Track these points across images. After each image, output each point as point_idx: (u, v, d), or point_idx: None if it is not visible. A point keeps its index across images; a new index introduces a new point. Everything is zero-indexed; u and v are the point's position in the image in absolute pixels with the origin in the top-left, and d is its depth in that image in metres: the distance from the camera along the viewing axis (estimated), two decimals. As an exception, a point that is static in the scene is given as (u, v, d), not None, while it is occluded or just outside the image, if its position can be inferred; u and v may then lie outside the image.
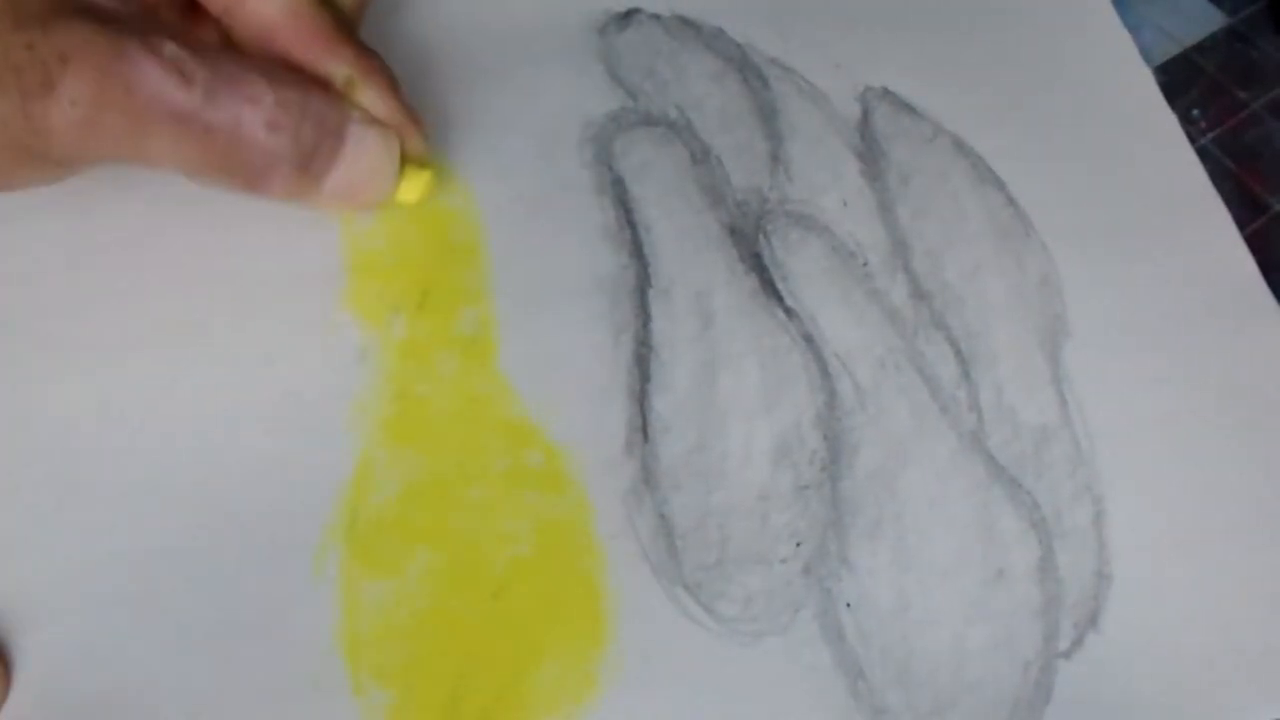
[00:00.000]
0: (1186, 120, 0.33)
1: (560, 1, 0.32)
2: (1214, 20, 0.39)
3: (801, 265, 0.29)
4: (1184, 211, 0.30)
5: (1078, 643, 0.25)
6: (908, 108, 0.31)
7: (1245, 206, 0.33)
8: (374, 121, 0.23)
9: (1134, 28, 0.34)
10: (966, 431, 0.27)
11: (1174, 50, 0.38)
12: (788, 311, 0.28)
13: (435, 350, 0.26)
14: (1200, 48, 0.38)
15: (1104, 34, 0.33)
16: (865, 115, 0.31)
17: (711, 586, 0.24)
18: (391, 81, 0.24)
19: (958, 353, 0.28)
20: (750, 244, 0.29)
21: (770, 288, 0.28)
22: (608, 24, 0.32)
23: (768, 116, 0.31)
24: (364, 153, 0.23)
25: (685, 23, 0.32)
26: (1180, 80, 0.37)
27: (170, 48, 0.20)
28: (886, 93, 0.32)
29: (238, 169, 0.21)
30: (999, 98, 0.32)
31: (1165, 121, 0.32)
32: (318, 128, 0.22)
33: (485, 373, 0.26)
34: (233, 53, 0.21)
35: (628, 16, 0.32)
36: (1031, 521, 0.26)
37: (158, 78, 0.20)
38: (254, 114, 0.21)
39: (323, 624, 0.23)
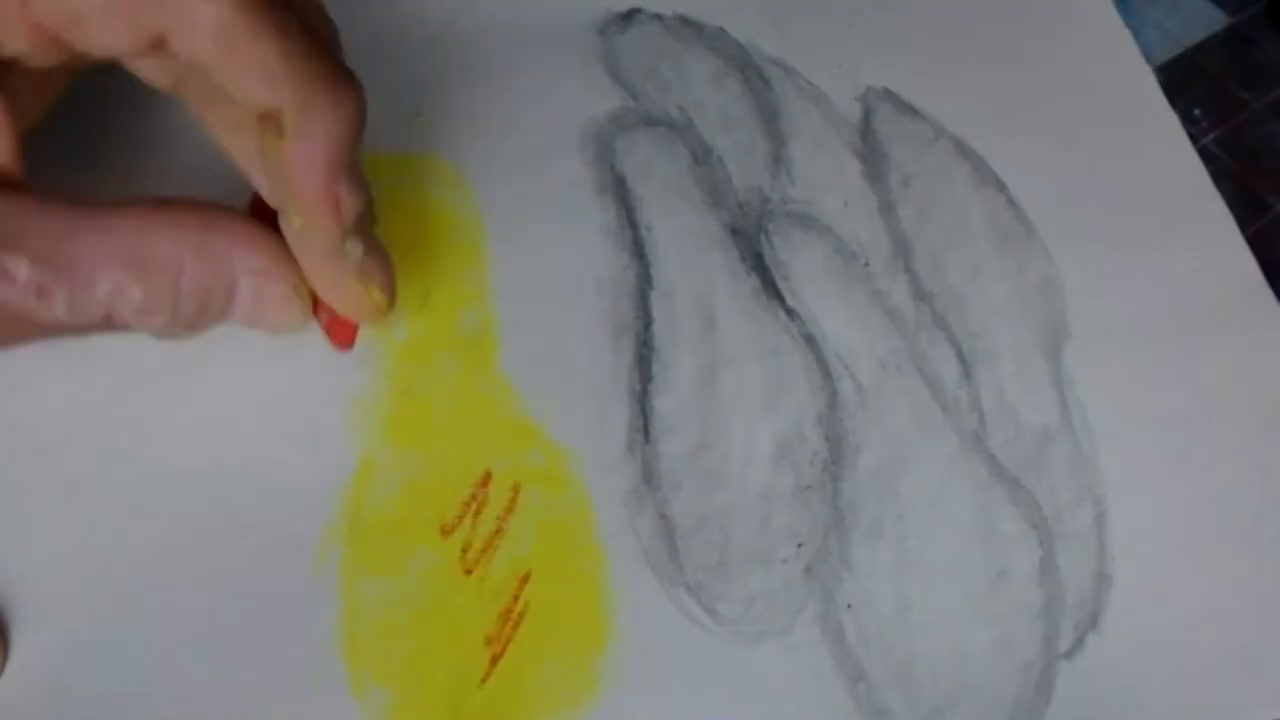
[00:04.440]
0: (1188, 120, 0.33)
1: (561, 1, 0.32)
2: (1215, 20, 0.39)
3: (803, 266, 0.29)
4: (1185, 212, 0.30)
5: (1078, 644, 0.25)
6: (909, 109, 0.31)
7: (1247, 206, 0.33)
8: (272, 273, 0.20)
9: (1135, 28, 0.34)
10: (968, 432, 0.27)
11: (1175, 50, 0.38)
12: (789, 312, 0.28)
13: (436, 351, 0.26)
14: (1201, 48, 0.38)
15: (1105, 34, 0.33)
16: (866, 116, 0.31)
17: (712, 587, 0.24)
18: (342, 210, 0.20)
19: (959, 353, 0.28)
20: (752, 244, 0.29)
21: (772, 288, 0.28)
22: (609, 24, 0.32)
23: (769, 117, 0.31)
24: (260, 306, 0.21)
25: (687, 23, 0.32)
26: (1181, 80, 0.37)
27: (25, 270, 0.18)
28: (888, 93, 0.32)
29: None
30: (1000, 98, 0.32)
31: (1166, 121, 0.32)
32: (198, 299, 0.20)
33: (486, 373, 0.26)
34: (95, 232, 0.19)
35: (629, 16, 0.32)
36: (1032, 523, 0.26)
37: (14, 301, 0.18)
38: (123, 308, 0.19)
39: (323, 623, 0.23)
